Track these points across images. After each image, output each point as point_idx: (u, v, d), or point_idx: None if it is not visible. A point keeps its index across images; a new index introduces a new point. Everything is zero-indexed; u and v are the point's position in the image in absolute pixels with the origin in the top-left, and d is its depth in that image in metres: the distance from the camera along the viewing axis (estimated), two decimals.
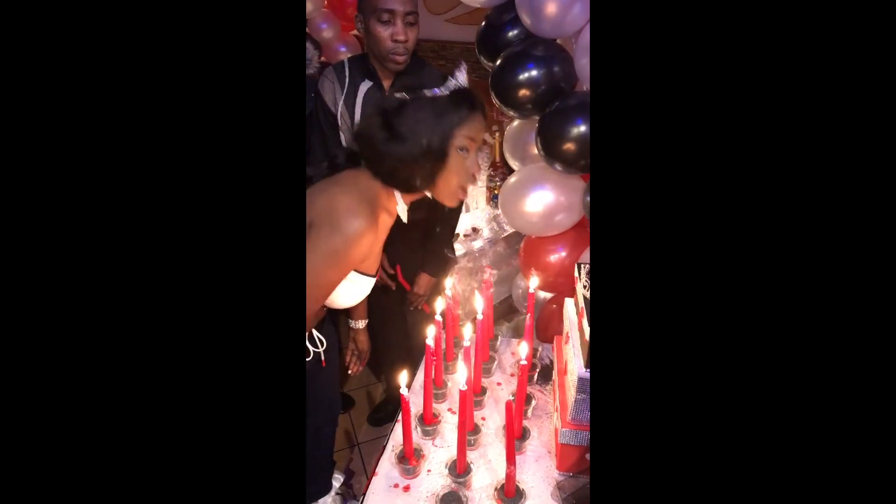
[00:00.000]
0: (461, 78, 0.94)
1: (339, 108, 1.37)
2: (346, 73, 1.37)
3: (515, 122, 1.67)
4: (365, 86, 1.35)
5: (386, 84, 1.35)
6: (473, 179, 0.98)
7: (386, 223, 1.00)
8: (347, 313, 1.38)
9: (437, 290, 1.52)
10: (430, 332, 0.95)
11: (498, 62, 1.41)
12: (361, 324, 1.39)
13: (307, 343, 1.10)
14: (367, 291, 1.05)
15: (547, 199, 1.49)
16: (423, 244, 1.52)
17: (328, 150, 1.41)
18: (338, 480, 1.55)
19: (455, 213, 1.53)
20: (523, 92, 1.37)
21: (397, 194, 0.98)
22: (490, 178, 2.21)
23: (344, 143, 1.40)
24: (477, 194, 2.24)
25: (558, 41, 1.40)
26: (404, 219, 1.00)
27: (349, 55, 3.02)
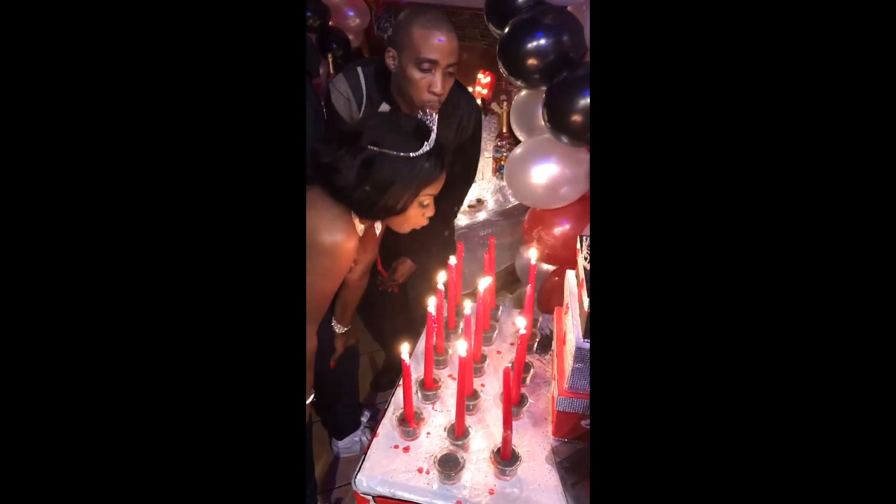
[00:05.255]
0: (433, 133, 0.96)
1: None
2: (363, 90, 1.24)
3: (523, 93, 1.65)
4: (383, 110, 1.25)
5: (405, 111, 1.22)
6: (425, 221, 1.05)
7: (362, 232, 1.05)
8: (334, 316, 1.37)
9: (423, 276, 1.49)
10: (432, 302, 0.97)
11: (506, 30, 1.39)
12: (340, 328, 1.35)
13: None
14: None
15: (552, 172, 1.48)
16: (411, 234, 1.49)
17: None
18: (366, 416, 1.73)
19: (450, 217, 1.47)
20: (531, 61, 1.34)
21: (353, 215, 1.01)
22: (496, 149, 2.20)
23: None
24: (483, 165, 2.22)
25: (569, 8, 1.37)
26: (360, 234, 1.04)
27: (357, 20, 2.96)
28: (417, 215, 1.02)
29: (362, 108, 1.24)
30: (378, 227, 1.09)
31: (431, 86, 1.12)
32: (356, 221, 1.01)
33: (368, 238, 1.09)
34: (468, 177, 1.46)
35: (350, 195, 0.95)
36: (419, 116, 0.99)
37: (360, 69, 1.25)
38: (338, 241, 0.95)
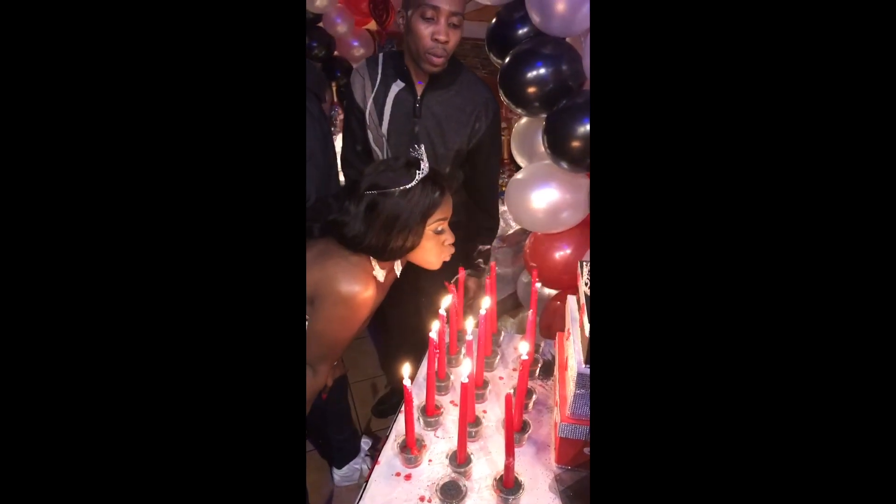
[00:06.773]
0: (423, 162, 1.02)
1: (368, 107, 1.35)
2: (379, 70, 1.34)
3: (523, 120, 1.68)
4: (397, 87, 1.33)
5: (419, 87, 1.32)
6: (451, 248, 1.08)
7: (378, 281, 1.07)
8: None
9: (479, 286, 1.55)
10: (434, 326, 0.97)
11: (507, 60, 1.42)
12: None
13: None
14: None
15: (552, 197, 1.49)
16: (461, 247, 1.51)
17: (351, 158, 1.41)
18: (367, 444, 1.72)
19: (494, 213, 1.53)
20: (531, 90, 1.37)
21: (373, 260, 1.03)
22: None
23: (371, 142, 1.39)
24: None
25: (567, 40, 1.41)
26: (381, 279, 1.06)
27: (362, 49, 3.04)
28: (437, 245, 1.04)
29: (375, 87, 1.33)
30: (398, 268, 1.10)
31: (435, 33, 1.18)
32: (376, 267, 1.02)
33: (388, 282, 1.10)
34: (497, 153, 1.51)
35: (362, 242, 0.98)
36: (412, 153, 1.04)
37: (381, 55, 1.36)
38: (355, 290, 0.97)
